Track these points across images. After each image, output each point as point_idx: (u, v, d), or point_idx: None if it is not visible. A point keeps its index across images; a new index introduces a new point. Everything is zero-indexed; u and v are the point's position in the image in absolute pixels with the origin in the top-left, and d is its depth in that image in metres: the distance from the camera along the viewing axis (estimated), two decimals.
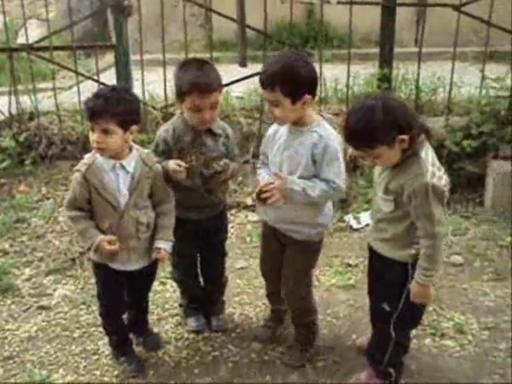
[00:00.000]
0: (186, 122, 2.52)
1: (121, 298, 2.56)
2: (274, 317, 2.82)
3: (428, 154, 2.09)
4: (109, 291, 2.50)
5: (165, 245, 2.42)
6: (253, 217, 4.03)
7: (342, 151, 2.31)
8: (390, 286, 2.25)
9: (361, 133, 2.03)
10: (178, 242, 2.62)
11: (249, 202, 4.18)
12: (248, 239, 3.78)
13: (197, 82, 2.40)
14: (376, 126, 1.99)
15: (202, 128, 2.52)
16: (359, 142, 2.08)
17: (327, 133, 2.29)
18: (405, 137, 2.02)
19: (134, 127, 2.30)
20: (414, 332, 2.77)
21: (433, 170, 2.05)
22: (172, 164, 2.43)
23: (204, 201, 2.61)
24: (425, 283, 2.12)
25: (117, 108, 2.20)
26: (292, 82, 2.19)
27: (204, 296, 2.87)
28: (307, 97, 2.23)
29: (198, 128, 2.51)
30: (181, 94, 2.45)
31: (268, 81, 2.23)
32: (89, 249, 2.35)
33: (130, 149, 2.36)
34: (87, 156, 2.35)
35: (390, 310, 2.25)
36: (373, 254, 2.36)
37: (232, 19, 5.26)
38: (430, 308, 2.93)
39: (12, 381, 2.55)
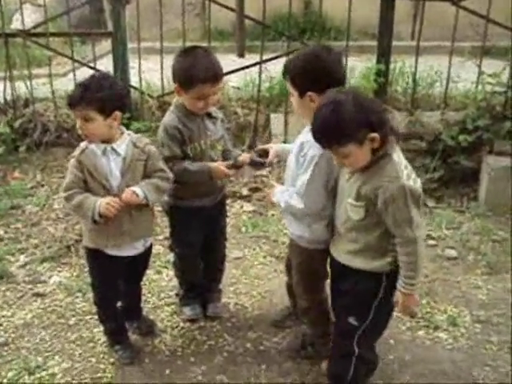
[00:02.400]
0: (186, 110, 2.51)
1: (116, 286, 2.56)
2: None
3: (400, 156, 1.98)
4: (104, 278, 2.50)
5: (137, 188, 2.32)
6: (248, 207, 4.05)
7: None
8: (361, 298, 2.09)
9: (330, 128, 1.89)
10: (187, 232, 2.63)
11: (244, 192, 4.19)
12: (243, 229, 3.78)
13: (211, 71, 2.40)
14: (346, 120, 1.86)
15: (202, 112, 2.53)
16: (328, 138, 1.93)
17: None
18: (376, 135, 1.88)
19: (118, 113, 2.30)
20: (407, 324, 2.81)
21: (407, 172, 1.94)
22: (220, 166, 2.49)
23: (214, 184, 2.61)
24: (411, 292, 2.00)
25: (95, 95, 2.22)
26: (299, 75, 2.16)
27: (203, 284, 2.88)
28: (311, 94, 2.14)
29: (199, 113, 2.52)
30: (190, 83, 2.41)
31: (283, 70, 2.26)
32: (93, 220, 2.27)
33: (122, 133, 2.38)
34: (82, 143, 2.37)
35: (358, 324, 2.11)
36: (337, 267, 2.19)
37: (231, 9, 5.25)
38: (424, 301, 2.96)
39: (7, 367, 2.55)
